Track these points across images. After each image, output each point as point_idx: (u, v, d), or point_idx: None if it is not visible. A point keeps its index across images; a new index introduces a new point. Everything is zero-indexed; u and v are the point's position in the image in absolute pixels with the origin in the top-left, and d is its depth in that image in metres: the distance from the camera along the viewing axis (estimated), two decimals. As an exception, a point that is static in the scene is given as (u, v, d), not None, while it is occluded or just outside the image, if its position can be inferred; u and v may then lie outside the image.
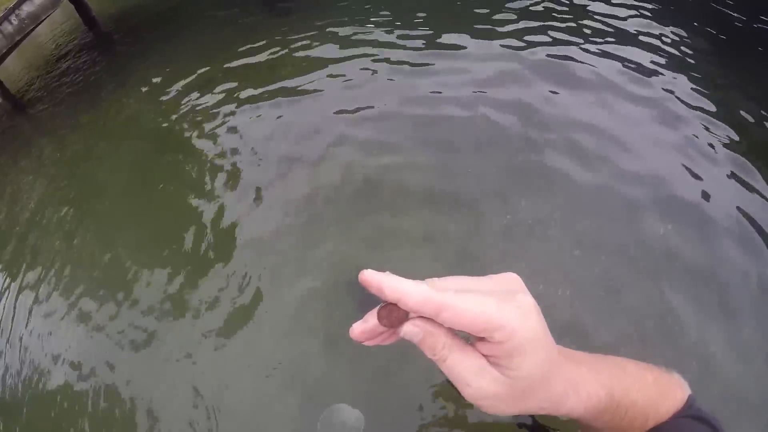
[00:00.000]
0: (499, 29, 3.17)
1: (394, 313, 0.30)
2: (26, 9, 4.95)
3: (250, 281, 1.97)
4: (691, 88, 2.49)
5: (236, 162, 2.56)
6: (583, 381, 0.37)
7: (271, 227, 2.12)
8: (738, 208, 1.86)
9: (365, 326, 0.32)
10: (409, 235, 1.93)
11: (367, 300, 1.69)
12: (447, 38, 3.17)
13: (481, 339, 0.31)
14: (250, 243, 2.11)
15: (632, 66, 2.69)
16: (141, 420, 1.73)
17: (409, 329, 0.31)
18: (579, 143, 2.21)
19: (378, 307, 0.31)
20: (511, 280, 0.33)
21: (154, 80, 4.13)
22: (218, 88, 3.39)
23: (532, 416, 1.34)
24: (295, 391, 1.57)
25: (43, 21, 5.23)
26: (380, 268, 0.31)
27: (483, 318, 0.29)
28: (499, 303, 0.30)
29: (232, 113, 3.00)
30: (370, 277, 0.30)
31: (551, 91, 2.56)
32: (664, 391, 0.43)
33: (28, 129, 4.87)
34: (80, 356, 2.02)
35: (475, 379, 0.31)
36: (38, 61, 6.26)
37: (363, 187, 2.16)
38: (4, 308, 2.41)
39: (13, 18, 4.85)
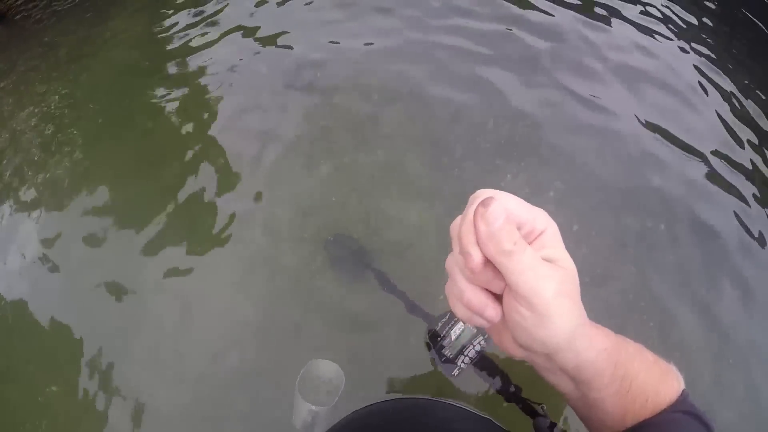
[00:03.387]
0: None
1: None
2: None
3: (228, 218, 1.81)
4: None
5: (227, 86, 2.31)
6: (594, 331, 0.38)
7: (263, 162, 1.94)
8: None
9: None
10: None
11: (340, 256, 1.60)
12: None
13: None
14: (233, 176, 1.92)
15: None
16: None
17: (497, 207, 0.31)
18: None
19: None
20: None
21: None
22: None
23: (518, 389, 1.30)
24: (272, 345, 1.49)
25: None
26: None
27: (528, 208, 0.34)
28: (533, 206, 0.35)
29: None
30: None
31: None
32: (664, 374, 0.43)
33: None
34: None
35: (541, 266, 0.32)
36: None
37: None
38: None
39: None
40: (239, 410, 1.39)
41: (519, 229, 0.32)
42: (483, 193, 0.33)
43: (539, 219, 0.34)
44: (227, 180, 1.86)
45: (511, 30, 2.27)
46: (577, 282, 0.34)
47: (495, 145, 1.88)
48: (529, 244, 0.33)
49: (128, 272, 1.66)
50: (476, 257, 0.31)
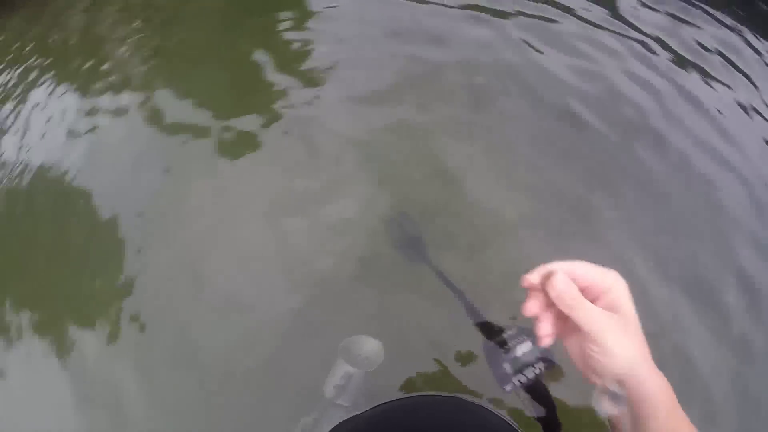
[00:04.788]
0: None
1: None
2: None
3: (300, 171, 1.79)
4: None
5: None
6: (656, 370, 0.45)
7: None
8: None
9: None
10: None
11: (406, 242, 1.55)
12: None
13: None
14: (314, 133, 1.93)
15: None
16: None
17: (560, 277, 0.43)
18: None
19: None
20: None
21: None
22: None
23: (559, 425, 1.22)
24: (316, 312, 1.52)
25: None
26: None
27: (599, 271, 0.44)
28: (602, 268, 0.45)
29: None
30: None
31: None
32: None
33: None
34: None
35: (602, 314, 0.42)
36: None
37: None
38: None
39: None
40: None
41: (589, 287, 0.44)
42: (552, 265, 0.45)
43: (607, 279, 0.44)
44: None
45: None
46: (637, 325, 0.43)
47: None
48: (598, 297, 0.44)
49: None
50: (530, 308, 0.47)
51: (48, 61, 2.59)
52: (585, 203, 1.64)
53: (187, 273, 1.60)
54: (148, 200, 1.79)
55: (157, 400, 1.40)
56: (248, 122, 1.93)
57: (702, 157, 1.79)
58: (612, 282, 0.44)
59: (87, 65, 2.44)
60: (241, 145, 1.88)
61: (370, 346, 1.19)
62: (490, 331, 1.30)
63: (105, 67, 2.40)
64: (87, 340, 1.53)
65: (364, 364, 1.17)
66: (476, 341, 1.32)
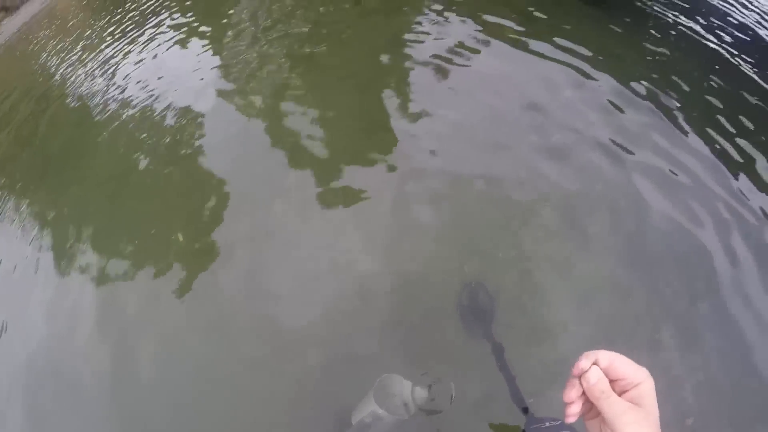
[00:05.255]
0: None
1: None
2: None
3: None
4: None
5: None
6: None
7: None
8: None
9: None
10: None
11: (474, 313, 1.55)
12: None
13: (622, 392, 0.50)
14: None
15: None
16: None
17: (594, 371, 0.50)
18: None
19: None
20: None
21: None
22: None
23: None
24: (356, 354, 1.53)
25: None
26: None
27: (633, 367, 0.49)
28: (636, 365, 0.50)
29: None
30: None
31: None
32: None
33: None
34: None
35: (623, 406, 0.48)
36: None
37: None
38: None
39: None
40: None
41: (622, 379, 0.49)
42: (596, 353, 0.51)
43: (638, 375, 0.49)
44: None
45: None
46: (656, 419, 0.48)
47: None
48: (626, 390, 0.49)
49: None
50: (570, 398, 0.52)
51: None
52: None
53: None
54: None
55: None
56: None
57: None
58: (643, 378, 0.49)
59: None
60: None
61: (410, 391, 1.17)
62: (530, 420, 1.25)
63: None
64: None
65: (398, 409, 1.14)
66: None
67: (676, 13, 3.11)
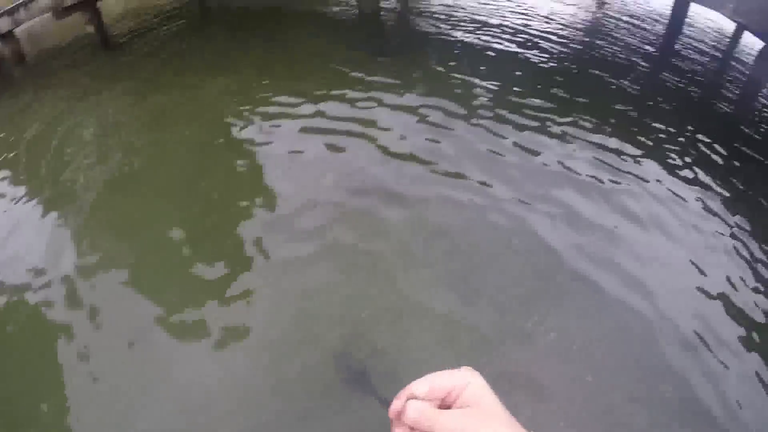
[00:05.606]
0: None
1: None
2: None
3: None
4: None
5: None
6: None
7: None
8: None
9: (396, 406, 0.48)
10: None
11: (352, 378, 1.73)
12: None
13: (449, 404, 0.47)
14: None
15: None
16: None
17: (411, 406, 0.46)
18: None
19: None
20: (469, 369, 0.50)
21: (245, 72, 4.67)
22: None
23: None
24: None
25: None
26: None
27: (454, 375, 0.47)
28: (456, 371, 0.48)
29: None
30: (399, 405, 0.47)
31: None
32: None
33: (107, 71, 5.11)
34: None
35: (459, 419, 0.45)
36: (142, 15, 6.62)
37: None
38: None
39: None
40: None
41: (449, 392, 0.46)
42: (410, 387, 0.47)
43: (462, 378, 0.46)
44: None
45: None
46: (498, 411, 0.45)
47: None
48: (459, 396, 0.46)
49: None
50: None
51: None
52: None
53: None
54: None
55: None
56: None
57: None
58: (468, 378, 0.47)
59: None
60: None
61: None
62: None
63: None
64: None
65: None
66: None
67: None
